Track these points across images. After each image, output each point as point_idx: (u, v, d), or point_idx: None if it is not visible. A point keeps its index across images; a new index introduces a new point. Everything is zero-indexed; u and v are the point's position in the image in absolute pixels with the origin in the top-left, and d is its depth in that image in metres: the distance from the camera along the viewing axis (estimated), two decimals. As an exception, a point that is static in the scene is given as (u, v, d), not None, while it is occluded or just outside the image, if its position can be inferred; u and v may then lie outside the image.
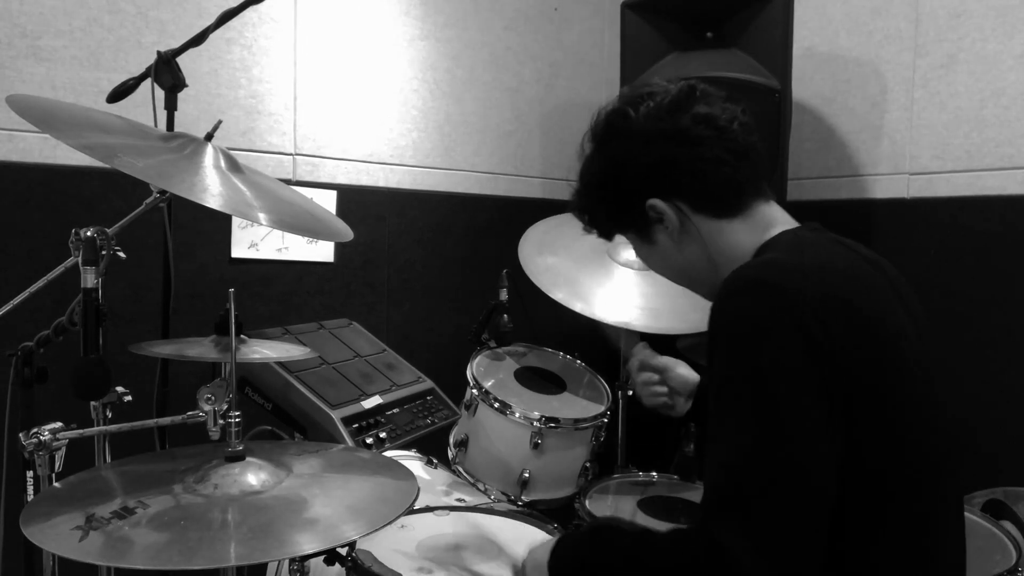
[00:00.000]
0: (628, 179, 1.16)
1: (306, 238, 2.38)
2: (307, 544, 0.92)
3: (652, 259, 1.26)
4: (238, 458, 1.04)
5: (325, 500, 1.02)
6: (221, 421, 1.10)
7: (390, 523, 0.97)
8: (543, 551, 1.19)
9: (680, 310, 1.94)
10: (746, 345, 0.96)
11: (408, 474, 1.14)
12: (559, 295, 1.88)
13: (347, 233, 1.35)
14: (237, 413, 1.06)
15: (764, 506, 0.91)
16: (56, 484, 1.10)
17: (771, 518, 0.91)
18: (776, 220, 1.16)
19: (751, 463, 0.92)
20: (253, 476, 1.02)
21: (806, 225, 1.17)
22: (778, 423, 0.92)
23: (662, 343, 2.16)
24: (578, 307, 1.88)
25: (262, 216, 1.12)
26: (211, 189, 1.09)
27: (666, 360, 1.62)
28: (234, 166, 1.19)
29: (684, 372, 1.59)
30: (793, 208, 1.23)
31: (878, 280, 1.09)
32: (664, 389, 1.60)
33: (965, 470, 1.10)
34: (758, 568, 0.89)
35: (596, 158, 1.20)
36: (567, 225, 2.18)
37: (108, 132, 1.13)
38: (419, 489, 1.07)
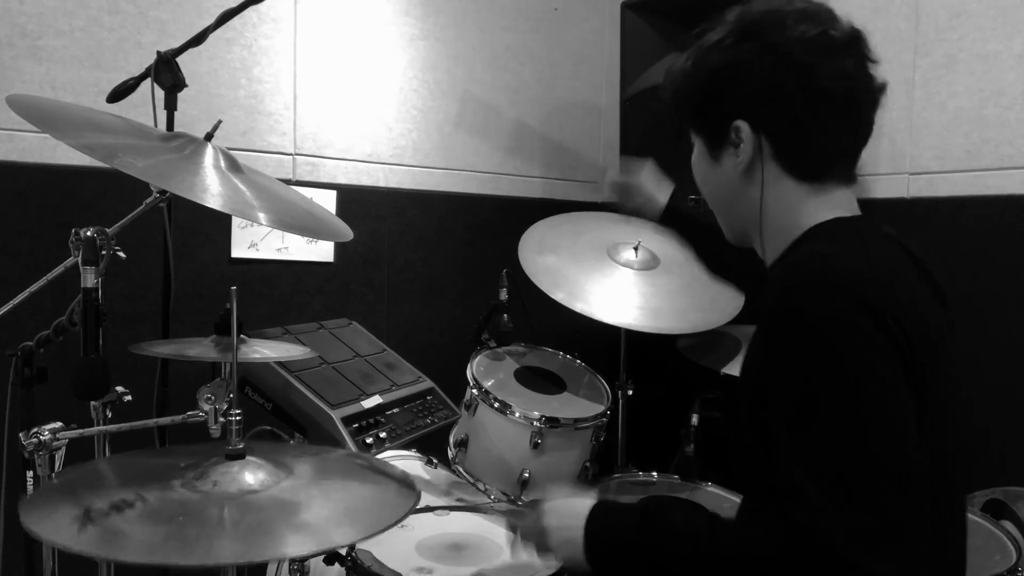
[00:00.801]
0: (736, 87, 1.05)
1: (306, 238, 2.38)
2: (298, 547, 0.92)
3: (706, 176, 1.16)
4: (238, 456, 1.04)
5: (322, 503, 1.02)
6: (222, 419, 1.10)
7: (386, 529, 0.96)
8: (574, 520, 1.05)
9: (680, 310, 1.94)
10: (820, 343, 0.91)
11: (407, 481, 1.14)
12: (559, 295, 1.87)
13: (346, 233, 1.34)
14: (238, 412, 1.06)
15: (885, 503, 0.86)
16: (54, 475, 1.10)
17: (893, 514, 0.86)
18: (839, 206, 1.08)
19: (855, 459, 0.87)
20: (251, 475, 1.02)
21: (863, 217, 1.10)
22: (874, 416, 0.88)
23: (662, 343, 2.17)
24: (578, 307, 1.88)
25: (262, 216, 1.12)
26: (211, 189, 1.09)
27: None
28: (234, 166, 1.19)
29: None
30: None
31: (926, 280, 1.07)
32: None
33: (969, 472, 1.10)
34: (886, 568, 0.84)
35: (722, 45, 1.06)
36: (567, 225, 2.18)
37: (108, 132, 1.13)
38: (419, 497, 1.06)
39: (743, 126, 1.06)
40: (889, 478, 0.87)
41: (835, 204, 1.08)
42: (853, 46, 1.04)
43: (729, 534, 0.98)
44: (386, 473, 1.16)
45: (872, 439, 0.88)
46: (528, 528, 1.14)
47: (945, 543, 1.03)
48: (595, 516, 1.05)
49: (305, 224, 1.31)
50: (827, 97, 1.03)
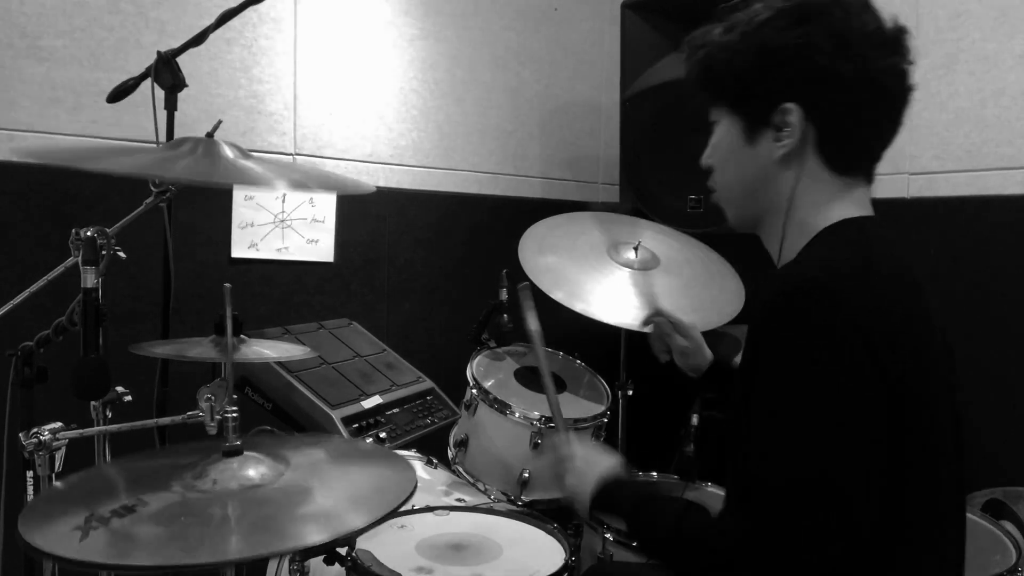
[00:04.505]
0: (793, 68, 1.00)
1: (306, 238, 2.38)
2: (312, 535, 0.92)
3: (731, 156, 1.10)
4: (235, 453, 1.04)
5: (325, 491, 1.02)
6: (218, 416, 1.10)
7: (395, 512, 0.96)
8: (589, 476, 1.17)
9: (680, 310, 1.94)
10: (800, 347, 0.92)
11: (405, 464, 1.14)
12: (559, 295, 1.87)
13: (369, 186, 1.29)
14: (234, 408, 1.06)
15: (819, 522, 0.89)
16: (56, 483, 1.10)
17: (788, 517, 0.90)
18: (855, 205, 1.07)
19: (789, 461, 0.91)
20: (252, 470, 1.02)
21: (874, 219, 1.09)
22: (826, 426, 0.90)
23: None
24: (578, 307, 1.88)
25: (314, 184, 1.20)
26: (263, 175, 1.11)
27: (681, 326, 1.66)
28: (244, 154, 1.19)
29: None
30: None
31: (923, 289, 1.07)
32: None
33: (968, 472, 1.10)
34: (753, 556, 0.91)
35: (780, 22, 1.01)
36: (567, 225, 2.18)
37: (128, 154, 1.15)
38: (418, 479, 1.06)
39: (794, 109, 1.01)
40: (838, 495, 0.90)
41: (856, 202, 1.07)
42: (902, 44, 1.03)
43: (700, 521, 1.03)
44: (381, 457, 1.17)
45: (831, 456, 0.90)
46: (553, 447, 1.27)
47: (939, 548, 1.03)
48: (604, 486, 1.15)
49: (333, 182, 1.47)
50: (881, 90, 1.02)
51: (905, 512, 0.96)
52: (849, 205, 1.06)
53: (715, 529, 1.00)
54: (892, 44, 1.02)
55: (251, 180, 1.11)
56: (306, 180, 1.29)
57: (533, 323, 1.40)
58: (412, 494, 1.00)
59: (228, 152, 1.13)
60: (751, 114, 1.06)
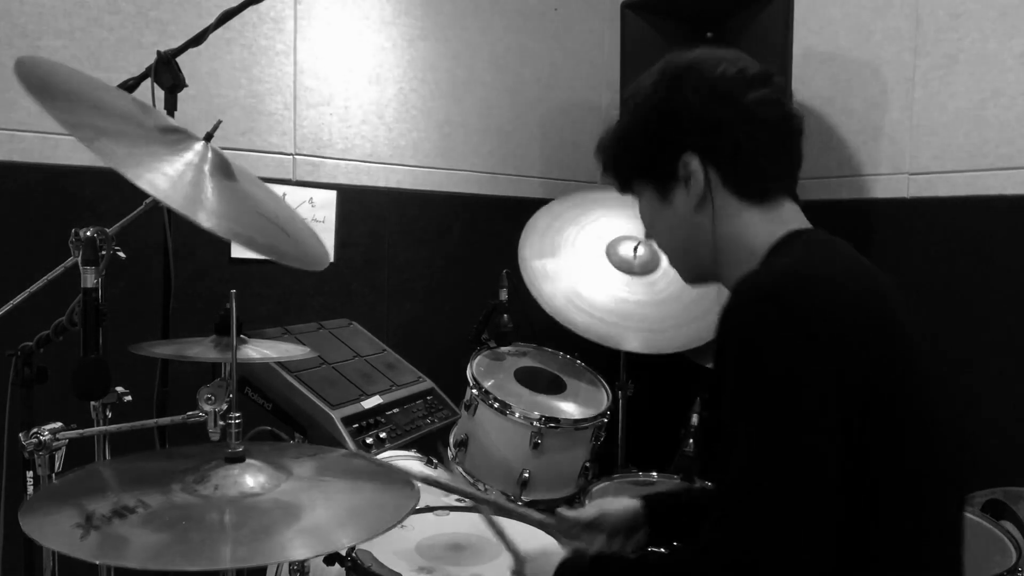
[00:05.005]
0: (678, 124, 1.13)
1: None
2: (301, 549, 0.92)
3: (657, 220, 1.21)
4: (238, 459, 1.04)
5: (324, 504, 1.02)
6: (221, 422, 1.10)
7: (388, 529, 0.96)
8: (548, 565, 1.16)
9: (679, 318, 1.94)
10: (760, 356, 0.94)
11: (407, 481, 1.14)
12: (558, 302, 1.87)
13: (322, 261, 1.26)
14: (237, 414, 1.06)
15: (776, 513, 0.91)
16: (55, 480, 1.10)
17: (782, 524, 0.91)
18: (792, 220, 1.14)
19: (764, 474, 0.92)
20: (252, 478, 1.02)
21: (817, 230, 1.15)
22: (790, 433, 0.92)
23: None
24: (579, 321, 1.87)
25: (202, 216, 1.05)
26: (162, 173, 1.03)
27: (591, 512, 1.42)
28: (224, 171, 1.15)
29: (615, 511, 1.39)
30: (793, 208, 1.23)
31: (891, 289, 1.08)
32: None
33: (968, 473, 1.10)
34: (774, 570, 0.90)
35: (657, 93, 1.15)
36: (567, 225, 2.18)
37: (106, 113, 1.09)
38: (419, 496, 1.06)
39: (692, 159, 1.12)
40: (799, 493, 0.91)
41: (787, 219, 1.13)
42: (767, 81, 1.12)
43: (659, 557, 1.06)
44: (386, 472, 1.16)
45: (783, 456, 0.92)
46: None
47: (940, 553, 1.03)
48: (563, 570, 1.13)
49: (267, 242, 1.19)
50: (759, 121, 1.11)
51: (891, 510, 0.97)
52: (779, 224, 1.12)
53: (677, 553, 1.03)
54: (757, 81, 1.11)
55: (145, 183, 1.00)
56: (235, 229, 1.11)
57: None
58: (410, 513, 1.00)
59: (194, 156, 1.10)
60: (658, 176, 1.17)
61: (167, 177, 1.05)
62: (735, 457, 0.95)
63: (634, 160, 1.20)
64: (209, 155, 1.14)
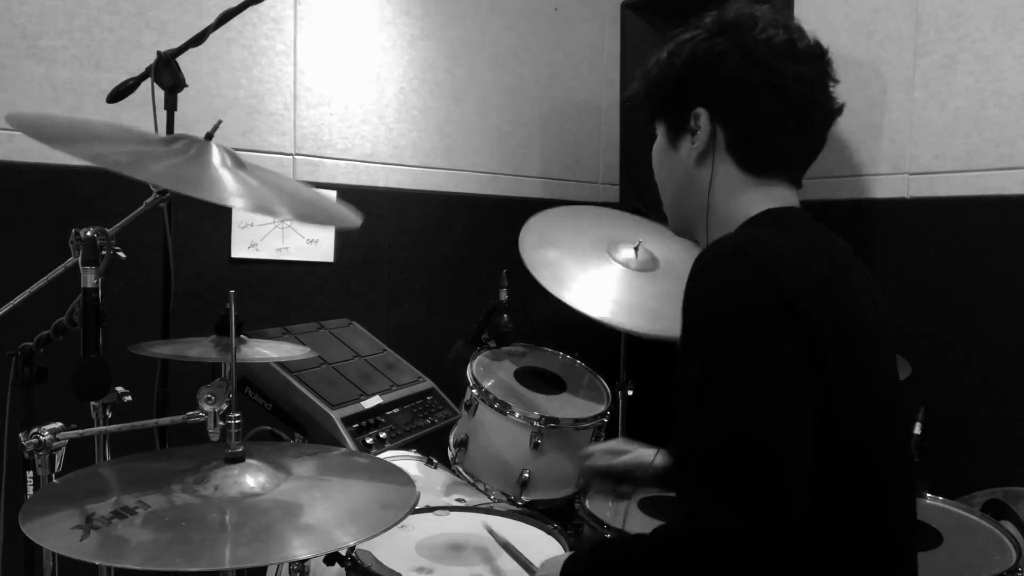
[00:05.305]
0: (703, 76, 1.11)
1: (306, 238, 2.38)
2: (303, 549, 0.92)
3: (662, 162, 1.22)
4: (238, 460, 1.04)
5: (324, 504, 1.02)
6: (221, 423, 1.10)
7: (389, 528, 0.96)
8: (553, 569, 1.16)
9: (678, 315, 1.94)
10: (724, 317, 0.95)
11: (407, 480, 1.14)
12: (564, 294, 1.86)
13: (356, 219, 1.27)
14: (237, 415, 1.06)
15: (750, 478, 0.90)
16: (55, 481, 1.10)
17: (757, 490, 0.89)
18: (778, 200, 1.13)
19: (735, 437, 0.91)
20: (252, 478, 1.02)
21: (793, 210, 1.14)
22: (757, 394, 0.92)
23: (663, 343, 2.15)
24: (588, 309, 1.86)
25: (285, 211, 1.12)
26: (230, 189, 1.06)
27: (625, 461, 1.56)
28: (238, 163, 1.18)
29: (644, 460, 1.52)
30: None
31: (855, 266, 1.10)
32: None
33: (970, 474, 1.11)
34: (748, 542, 0.88)
35: (696, 39, 1.13)
36: (566, 225, 2.18)
37: (112, 141, 1.12)
38: (419, 495, 1.06)
39: (702, 113, 1.12)
40: (769, 452, 0.90)
41: (775, 197, 1.13)
42: (816, 60, 1.12)
43: (652, 535, 1.02)
44: (384, 472, 1.16)
45: (753, 417, 0.91)
46: None
47: (878, 534, 1.03)
48: (568, 563, 1.13)
49: (318, 214, 1.30)
50: (785, 97, 1.09)
51: (842, 483, 0.97)
52: (765, 200, 1.12)
53: (656, 533, 1.00)
54: (802, 57, 1.10)
55: (218, 196, 1.05)
56: (291, 205, 1.18)
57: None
58: (410, 511, 1.00)
59: (216, 160, 1.11)
60: (671, 120, 1.18)
61: (236, 193, 1.07)
62: (704, 424, 0.94)
63: (655, 98, 1.20)
64: (224, 154, 1.15)
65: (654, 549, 0.99)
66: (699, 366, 0.97)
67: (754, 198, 1.12)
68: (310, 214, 1.26)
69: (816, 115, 1.13)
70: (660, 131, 1.21)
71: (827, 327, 0.95)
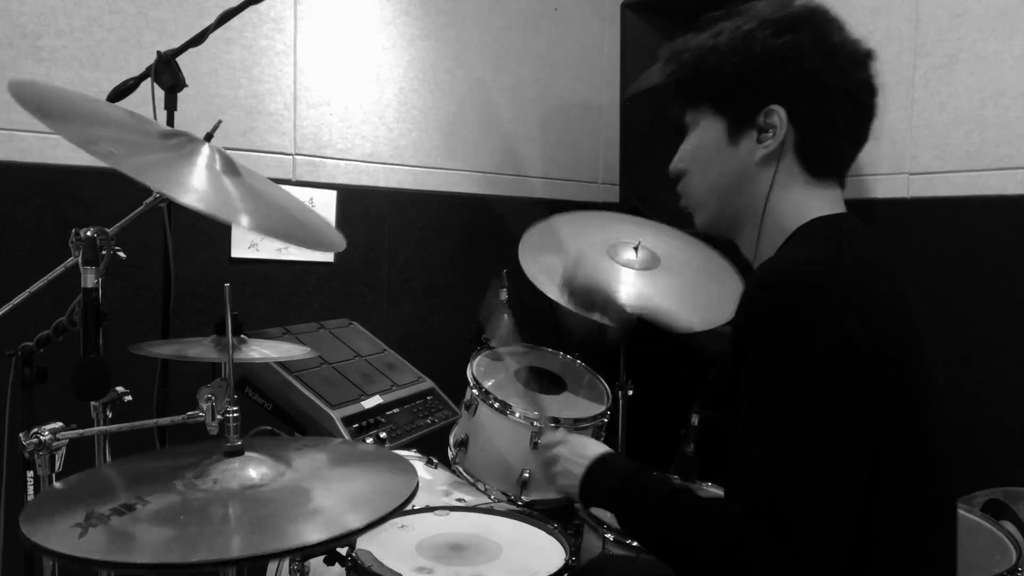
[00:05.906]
0: (783, 72, 1.05)
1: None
2: (311, 534, 0.91)
3: (713, 158, 1.13)
4: (236, 453, 1.04)
5: (325, 492, 1.02)
6: (219, 417, 1.10)
7: (394, 514, 0.96)
8: (581, 459, 1.20)
9: (681, 311, 1.93)
10: (782, 343, 0.94)
11: (407, 466, 1.14)
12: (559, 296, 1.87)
13: (339, 243, 1.26)
14: (235, 408, 1.06)
15: (798, 512, 0.91)
16: (56, 484, 1.10)
17: (805, 523, 0.91)
18: (829, 206, 1.11)
19: (787, 468, 0.92)
20: (253, 470, 1.02)
21: (843, 217, 1.12)
22: (814, 424, 0.92)
23: (662, 343, 2.16)
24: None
25: (244, 219, 1.07)
26: (194, 187, 1.04)
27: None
28: (231, 168, 1.17)
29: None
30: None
31: (897, 272, 1.09)
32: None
33: (958, 471, 1.10)
34: (796, 568, 0.90)
35: (768, 29, 1.06)
36: (566, 226, 2.18)
37: (107, 125, 1.11)
38: (419, 480, 1.06)
39: (779, 111, 1.06)
40: (816, 491, 0.91)
41: (828, 201, 1.11)
42: (868, 63, 1.10)
43: (693, 505, 1.04)
44: (384, 460, 1.16)
45: (808, 447, 0.92)
46: (546, 444, 1.30)
47: (935, 545, 1.03)
48: (596, 464, 1.18)
49: (291, 231, 1.22)
50: (856, 102, 1.08)
51: (892, 504, 0.97)
52: (823, 204, 1.10)
53: (704, 512, 1.01)
54: (865, 62, 1.09)
55: (175, 193, 1.02)
56: (260, 217, 1.12)
57: None
58: (413, 496, 1.00)
59: (203, 160, 1.09)
60: (737, 115, 1.10)
61: (195, 190, 1.05)
62: (759, 447, 0.94)
63: (716, 86, 1.10)
64: (216, 155, 1.14)
65: (694, 516, 1.01)
66: (755, 389, 0.96)
67: (809, 201, 1.09)
68: (283, 231, 1.18)
69: (872, 120, 1.11)
70: (710, 123, 1.12)
71: (884, 358, 0.95)
